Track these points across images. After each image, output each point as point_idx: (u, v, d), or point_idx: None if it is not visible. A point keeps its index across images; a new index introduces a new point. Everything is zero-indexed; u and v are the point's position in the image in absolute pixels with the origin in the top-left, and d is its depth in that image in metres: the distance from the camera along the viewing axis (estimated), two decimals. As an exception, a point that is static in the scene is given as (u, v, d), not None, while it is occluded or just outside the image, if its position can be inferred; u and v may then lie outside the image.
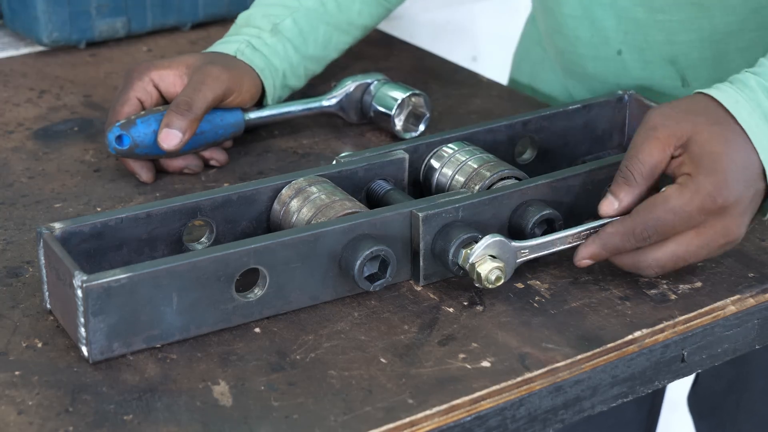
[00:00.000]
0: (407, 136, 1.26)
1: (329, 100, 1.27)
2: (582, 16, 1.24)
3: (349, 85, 1.27)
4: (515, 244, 0.97)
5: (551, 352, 0.91)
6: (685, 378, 1.53)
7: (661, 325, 0.95)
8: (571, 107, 1.16)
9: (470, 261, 0.95)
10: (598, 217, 0.97)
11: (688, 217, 0.92)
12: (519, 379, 0.89)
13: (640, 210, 0.93)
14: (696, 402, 1.51)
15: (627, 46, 1.22)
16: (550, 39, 1.32)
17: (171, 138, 1.13)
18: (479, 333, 0.94)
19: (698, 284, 1.00)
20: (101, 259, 0.96)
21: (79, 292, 0.87)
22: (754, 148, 0.93)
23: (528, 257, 0.98)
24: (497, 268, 0.95)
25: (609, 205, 0.95)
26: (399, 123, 1.25)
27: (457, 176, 1.06)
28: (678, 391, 1.68)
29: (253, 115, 1.23)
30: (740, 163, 0.93)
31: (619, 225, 0.94)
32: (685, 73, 1.21)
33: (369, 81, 1.28)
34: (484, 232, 0.96)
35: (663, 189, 0.94)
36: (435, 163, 1.08)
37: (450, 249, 0.96)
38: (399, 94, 1.25)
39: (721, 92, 0.96)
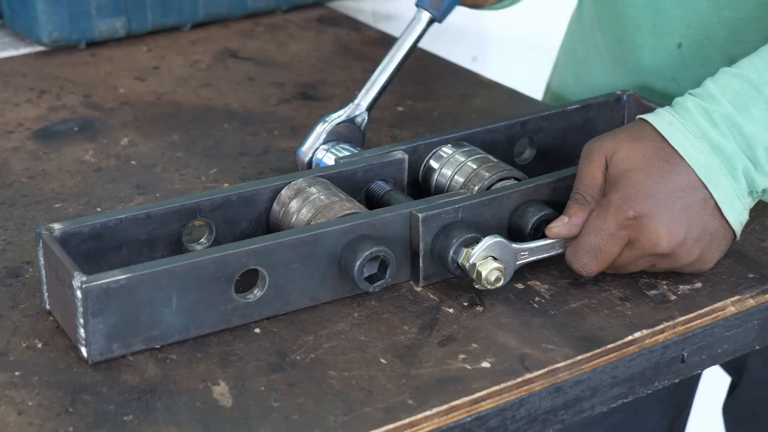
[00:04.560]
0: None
1: None
2: (645, 4, 1.22)
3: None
4: (516, 246, 0.97)
5: (551, 353, 0.91)
6: (716, 385, 1.53)
7: (661, 326, 0.95)
8: (569, 107, 1.16)
9: (471, 261, 0.95)
10: None
11: (610, 235, 0.96)
12: (519, 379, 0.89)
13: (576, 237, 0.98)
14: (733, 409, 1.50)
15: (687, 39, 1.20)
16: (607, 27, 1.29)
17: None
18: (479, 334, 0.94)
19: (698, 285, 1.00)
20: (101, 260, 0.95)
21: (79, 293, 0.87)
22: (689, 164, 0.96)
23: (528, 259, 0.98)
24: (497, 269, 0.95)
25: (559, 221, 0.99)
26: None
27: (456, 177, 1.06)
28: (708, 398, 1.66)
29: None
30: (660, 176, 0.96)
31: (568, 251, 0.98)
32: None
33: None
34: (484, 233, 0.96)
35: None
36: (434, 164, 1.08)
37: (449, 250, 0.96)
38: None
39: (656, 116, 1.00)
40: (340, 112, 1.15)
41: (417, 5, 1.18)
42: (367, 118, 1.16)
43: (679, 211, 0.95)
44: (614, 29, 1.27)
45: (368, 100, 1.16)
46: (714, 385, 1.61)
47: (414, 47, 1.18)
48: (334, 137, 1.14)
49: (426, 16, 1.18)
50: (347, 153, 1.10)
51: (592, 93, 1.35)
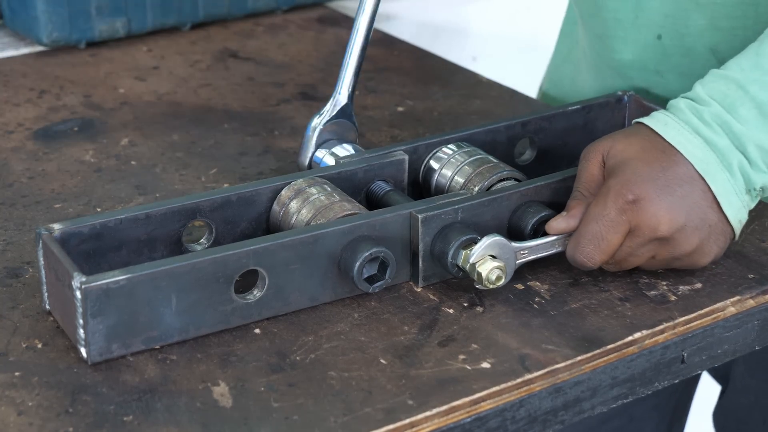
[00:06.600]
0: None
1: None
2: None
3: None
4: (515, 244, 0.97)
5: (551, 353, 0.91)
6: (711, 392, 1.53)
7: (661, 327, 0.95)
8: (570, 108, 1.16)
9: (470, 261, 0.95)
10: None
11: (610, 222, 0.96)
12: (519, 380, 0.89)
13: (577, 229, 0.98)
14: (721, 417, 1.50)
15: (667, 30, 1.20)
16: (588, 23, 1.29)
17: None
18: (479, 334, 0.94)
19: (698, 285, 1.00)
20: (100, 260, 0.95)
21: (78, 294, 0.87)
22: (686, 159, 0.97)
23: (528, 258, 0.98)
24: (498, 267, 0.95)
25: (558, 216, 0.99)
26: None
27: (456, 177, 1.05)
28: (702, 406, 1.66)
29: None
30: (658, 165, 0.97)
31: (569, 245, 0.98)
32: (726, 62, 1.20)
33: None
34: (484, 234, 0.96)
35: None
36: (434, 164, 1.08)
37: (449, 250, 0.96)
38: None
39: (651, 118, 1.01)
40: (324, 112, 1.14)
41: None
42: (351, 107, 1.14)
43: (679, 197, 0.96)
44: (595, 25, 1.27)
45: (347, 91, 1.15)
46: (710, 392, 1.61)
47: (372, 23, 1.15)
48: (328, 137, 1.13)
49: None
50: (347, 153, 1.10)
51: (573, 91, 1.35)
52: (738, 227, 0.99)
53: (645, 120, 1.01)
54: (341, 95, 1.14)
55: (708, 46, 1.18)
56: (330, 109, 1.14)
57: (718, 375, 1.46)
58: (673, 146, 0.98)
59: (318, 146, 1.12)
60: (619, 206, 0.95)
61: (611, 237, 0.96)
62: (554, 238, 0.99)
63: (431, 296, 0.98)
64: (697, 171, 0.97)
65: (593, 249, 0.96)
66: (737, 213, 0.98)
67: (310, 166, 1.12)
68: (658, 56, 1.22)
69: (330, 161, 1.10)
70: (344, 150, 1.11)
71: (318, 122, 1.13)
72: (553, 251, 0.99)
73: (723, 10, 1.16)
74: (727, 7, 1.16)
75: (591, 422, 1.43)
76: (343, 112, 1.14)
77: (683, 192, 0.96)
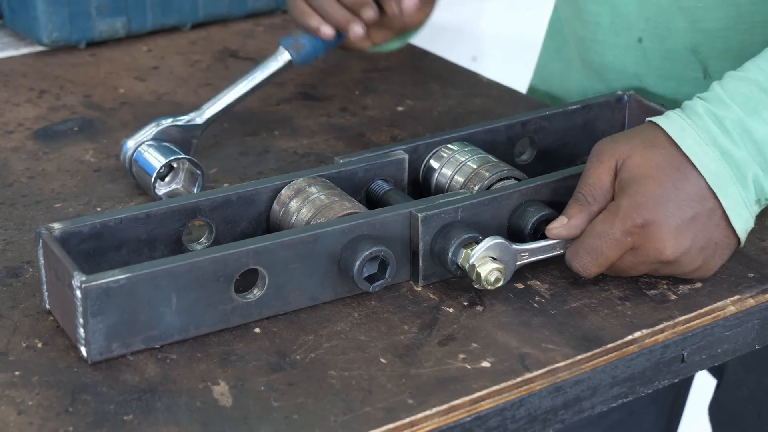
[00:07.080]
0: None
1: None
2: (603, 0, 1.23)
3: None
4: (516, 246, 0.97)
5: (551, 353, 0.91)
6: (708, 386, 1.53)
7: (661, 326, 0.95)
8: (570, 107, 1.16)
9: (470, 262, 0.95)
10: None
11: (614, 240, 0.95)
12: (519, 379, 0.89)
13: (578, 238, 0.98)
14: (716, 411, 1.50)
15: (648, 33, 1.20)
16: (571, 26, 1.29)
17: None
18: (479, 333, 0.94)
19: (698, 285, 1.00)
20: (100, 260, 0.95)
21: (78, 293, 0.87)
22: (700, 172, 0.96)
23: (528, 260, 0.98)
24: (497, 269, 0.95)
25: (558, 222, 0.98)
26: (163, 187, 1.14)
27: (456, 176, 1.06)
28: (699, 399, 1.67)
29: None
30: (671, 185, 0.95)
31: (568, 251, 0.98)
32: (708, 63, 1.19)
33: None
34: (484, 233, 0.97)
35: None
36: (434, 164, 1.08)
37: (449, 249, 0.96)
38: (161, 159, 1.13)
39: (668, 120, 0.99)
40: (180, 117, 1.18)
41: (280, 43, 1.23)
42: (201, 132, 1.19)
43: (687, 220, 0.95)
44: (577, 28, 1.28)
45: (208, 116, 1.20)
46: (707, 386, 1.61)
47: (267, 81, 1.22)
48: (164, 137, 1.16)
49: (286, 57, 1.22)
50: (170, 153, 1.13)
51: (563, 89, 1.36)
52: (744, 236, 0.98)
53: (661, 122, 0.98)
54: (203, 116, 1.19)
55: (689, 48, 1.18)
56: (186, 119, 1.18)
57: (713, 369, 1.46)
58: (687, 158, 0.96)
59: (152, 140, 1.16)
60: (627, 228, 0.95)
61: (611, 253, 0.96)
62: (555, 241, 0.99)
63: (431, 295, 0.98)
64: (709, 187, 0.96)
65: (590, 261, 0.96)
66: (745, 224, 0.97)
67: (130, 160, 1.14)
68: (639, 59, 1.22)
69: (151, 158, 1.12)
70: (165, 149, 1.14)
71: (166, 122, 1.17)
72: (554, 254, 0.99)
73: (705, 12, 1.16)
74: (709, 9, 1.16)
75: (590, 416, 1.43)
76: (191, 129, 1.18)
77: (693, 213, 0.95)
